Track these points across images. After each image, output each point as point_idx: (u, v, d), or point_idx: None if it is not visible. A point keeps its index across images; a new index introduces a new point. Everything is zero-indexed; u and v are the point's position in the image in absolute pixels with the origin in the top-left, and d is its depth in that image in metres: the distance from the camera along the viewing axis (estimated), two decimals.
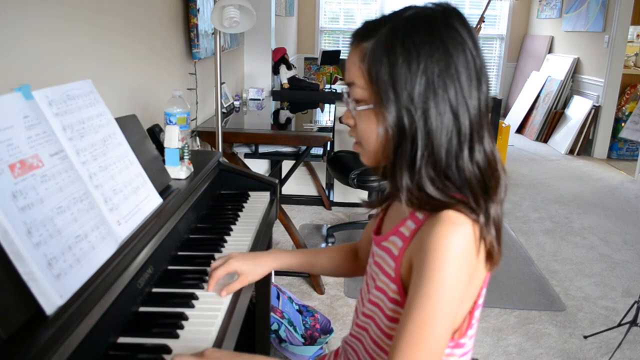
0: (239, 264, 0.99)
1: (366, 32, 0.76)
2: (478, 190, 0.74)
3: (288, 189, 3.55)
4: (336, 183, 3.47)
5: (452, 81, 0.72)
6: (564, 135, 5.47)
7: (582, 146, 5.30)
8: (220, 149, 2.18)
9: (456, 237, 0.70)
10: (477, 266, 0.75)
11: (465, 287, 0.73)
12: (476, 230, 0.72)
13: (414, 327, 0.70)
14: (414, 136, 0.73)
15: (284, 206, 3.01)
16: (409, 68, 0.72)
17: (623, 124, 4.67)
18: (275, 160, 3.32)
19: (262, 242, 1.33)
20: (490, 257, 0.75)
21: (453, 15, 0.74)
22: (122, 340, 0.83)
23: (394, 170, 0.75)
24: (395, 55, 0.72)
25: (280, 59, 3.75)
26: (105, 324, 0.78)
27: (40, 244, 0.71)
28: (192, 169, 1.37)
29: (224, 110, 2.87)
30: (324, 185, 3.62)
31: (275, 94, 3.79)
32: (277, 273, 2.61)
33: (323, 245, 2.97)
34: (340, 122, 0.85)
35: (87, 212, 0.84)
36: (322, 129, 2.60)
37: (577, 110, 5.41)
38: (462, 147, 0.73)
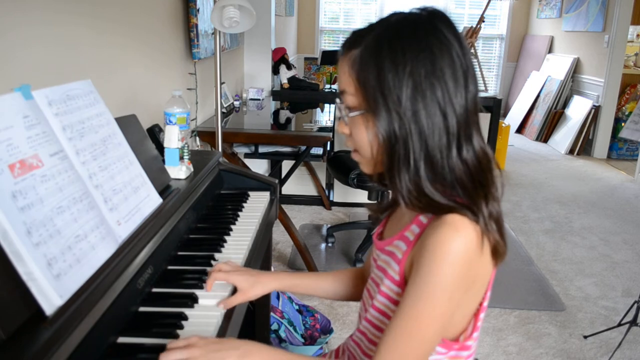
0: (239, 278, 0.97)
1: (355, 40, 0.77)
2: (471, 189, 0.74)
3: (288, 189, 3.55)
4: (336, 183, 3.47)
5: (438, 82, 0.72)
6: (564, 135, 5.47)
7: (582, 146, 5.30)
8: (220, 149, 2.18)
9: (457, 242, 0.71)
10: (480, 268, 0.76)
11: (461, 292, 0.73)
12: (479, 233, 0.73)
13: (404, 324, 0.71)
14: (406, 139, 0.73)
15: (284, 206, 3.01)
16: (395, 72, 0.72)
17: (623, 124, 4.67)
18: (275, 160, 3.32)
19: (262, 242, 1.33)
20: (495, 252, 0.76)
21: (438, 18, 0.75)
22: (122, 340, 0.83)
23: (392, 174, 0.76)
24: (382, 59, 0.73)
25: (280, 59, 3.75)
26: (105, 324, 0.78)
27: (40, 244, 0.71)
28: (192, 169, 1.37)
29: (224, 110, 2.87)
30: (324, 185, 3.62)
31: (275, 94, 3.79)
32: None
33: (323, 245, 2.97)
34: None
35: (87, 212, 0.84)
36: (322, 129, 2.60)
37: (577, 110, 5.41)
38: (450, 146, 0.74)
